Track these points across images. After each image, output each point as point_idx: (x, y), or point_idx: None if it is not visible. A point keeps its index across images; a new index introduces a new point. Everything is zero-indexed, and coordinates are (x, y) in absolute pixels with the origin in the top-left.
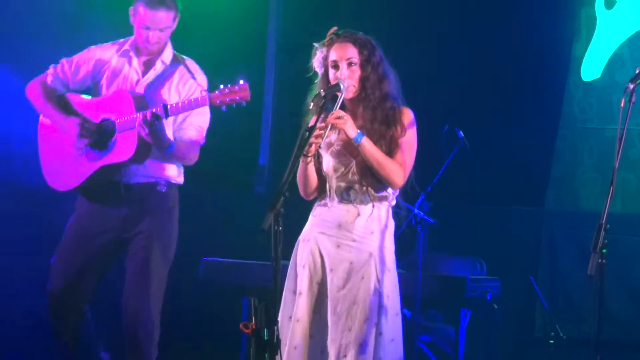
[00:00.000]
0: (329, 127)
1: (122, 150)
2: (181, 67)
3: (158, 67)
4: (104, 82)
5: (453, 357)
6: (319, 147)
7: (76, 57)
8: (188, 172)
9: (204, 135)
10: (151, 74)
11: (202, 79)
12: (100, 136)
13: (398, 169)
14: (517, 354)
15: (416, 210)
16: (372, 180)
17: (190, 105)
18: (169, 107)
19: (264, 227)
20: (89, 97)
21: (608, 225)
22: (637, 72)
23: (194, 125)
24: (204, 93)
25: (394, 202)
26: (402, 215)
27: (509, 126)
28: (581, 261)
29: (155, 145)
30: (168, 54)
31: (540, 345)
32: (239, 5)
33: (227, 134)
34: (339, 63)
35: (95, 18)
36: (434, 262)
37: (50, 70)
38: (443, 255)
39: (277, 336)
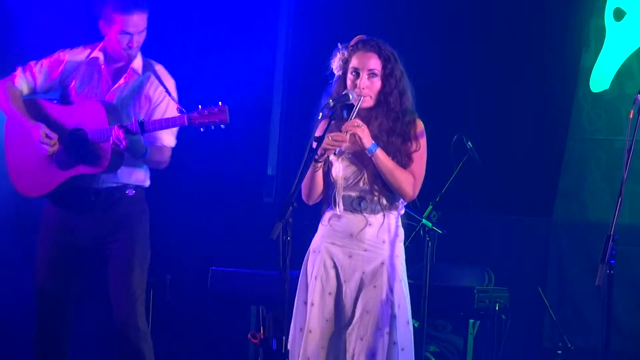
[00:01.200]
0: (346, 134)
1: (96, 161)
2: (150, 74)
3: (130, 75)
4: (73, 87)
5: None
6: (334, 153)
7: (45, 61)
8: (197, 182)
9: (175, 136)
10: (122, 82)
11: (171, 84)
12: (72, 145)
13: (412, 180)
14: None
15: (424, 221)
16: (382, 190)
17: (167, 124)
18: (145, 123)
19: (272, 236)
20: (59, 105)
21: (616, 237)
22: None
23: (166, 131)
24: (183, 111)
25: (402, 212)
26: (411, 226)
27: (517, 136)
28: (589, 272)
29: (131, 154)
30: (138, 61)
31: (548, 355)
32: (249, 16)
33: (235, 144)
34: (360, 71)
35: (66, 22)
36: (442, 272)
37: (18, 72)
38: (451, 266)
39: (286, 346)
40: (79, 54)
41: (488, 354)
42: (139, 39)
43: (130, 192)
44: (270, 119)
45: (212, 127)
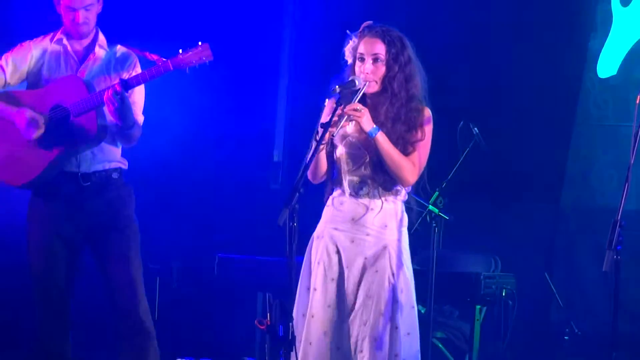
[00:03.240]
0: (345, 117)
1: (82, 134)
2: (116, 49)
3: (97, 52)
4: (45, 72)
5: (468, 353)
6: (333, 135)
7: (9, 54)
8: (202, 170)
9: (141, 113)
10: (90, 59)
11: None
12: (54, 124)
13: (411, 167)
14: (532, 350)
15: (431, 207)
16: (384, 175)
17: (151, 74)
18: (128, 80)
19: (279, 223)
20: (32, 90)
21: (623, 222)
22: None
23: (137, 104)
24: (163, 60)
25: (406, 197)
26: (417, 212)
27: (524, 123)
28: (596, 258)
29: (122, 121)
30: (102, 38)
31: (555, 341)
32: (255, 8)
33: (241, 131)
34: (365, 57)
35: (23, 15)
36: (449, 259)
37: None
38: (458, 252)
39: (292, 332)
40: (43, 41)
41: (495, 339)
42: (86, 14)
43: (115, 174)
44: (277, 106)
45: (197, 66)
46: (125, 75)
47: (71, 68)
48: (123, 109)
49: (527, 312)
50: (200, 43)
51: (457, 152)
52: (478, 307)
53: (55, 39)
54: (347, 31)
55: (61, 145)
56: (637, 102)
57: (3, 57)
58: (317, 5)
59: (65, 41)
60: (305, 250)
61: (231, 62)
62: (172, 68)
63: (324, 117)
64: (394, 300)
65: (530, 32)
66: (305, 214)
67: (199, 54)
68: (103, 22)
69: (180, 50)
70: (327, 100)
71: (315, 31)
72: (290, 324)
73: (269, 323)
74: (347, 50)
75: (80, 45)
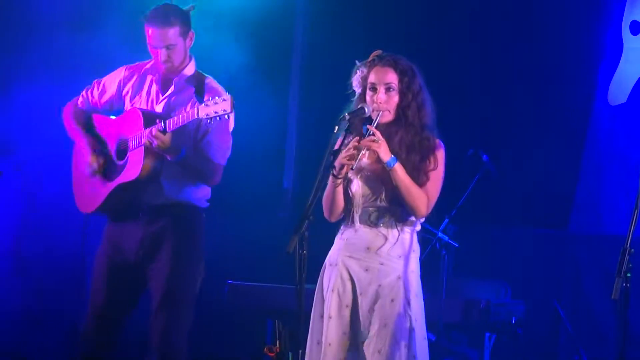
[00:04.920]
0: (363, 149)
1: (131, 168)
2: (206, 80)
3: (178, 84)
4: (126, 99)
5: None
6: (352, 168)
7: (105, 78)
8: (212, 195)
9: (225, 155)
10: (171, 92)
11: (224, 96)
12: (117, 156)
13: (424, 197)
14: None
15: (440, 234)
16: (400, 207)
17: (183, 119)
18: (166, 121)
19: (288, 250)
20: (107, 117)
21: (632, 249)
22: None
23: (212, 144)
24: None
25: (419, 227)
26: (427, 239)
27: (534, 149)
28: (606, 285)
29: (167, 153)
30: (189, 71)
31: None
32: (264, 25)
33: (251, 157)
34: (377, 86)
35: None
36: (458, 286)
37: (83, 92)
38: (467, 279)
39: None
40: (136, 67)
41: None
42: (168, 53)
43: (181, 210)
44: (287, 132)
45: (218, 119)
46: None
47: (152, 100)
48: (166, 148)
49: (536, 340)
50: (225, 94)
51: (467, 179)
52: (487, 334)
53: (143, 69)
54: (356, 61)
55: (119, 175)
56: None
57: (102, 80)
58: (329, 27)
59: (151, 72)
60: (314, 278)
61: (241, 87)
62: (197, 116)
63: (336, 146)
64: (410, 329)
65: (540, 59)
66: (315, 242)
67: (220, 105)
68: None
69: (206, 98)
70: (336, 127)
71: (326, 55)
72: (300, 351)
73: (278, 350)
74: (356, 80)
75: (167, 76)
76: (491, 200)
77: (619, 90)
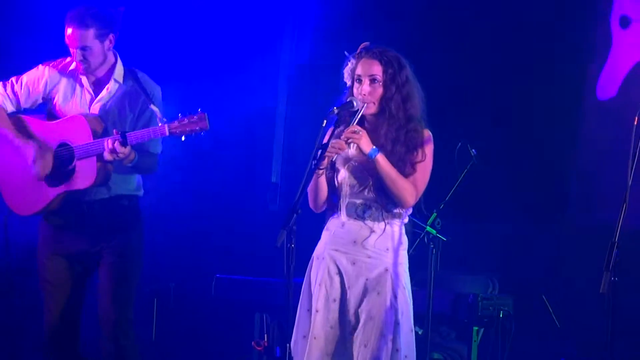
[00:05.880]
0: (344, 141)
1: (83, 177)
2: (133, 84)
3: (111, 86)
4: (57, 101)
5: None
6: (332, 159)
7: (25, 76)
8: (201, 190)
9: (160, 144)
10: (104, 94)
11: (156, 92)
12: (59, 162)
13: (411, 188)
14: None
15: (428, 228)
16: (387, 198)
17: (148, 135)
18: (127, 136)
19: (277, 244)
20: (43, 121)
21: (621, 243)
22: None
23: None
24: (164, 120)
25: (406, 220)
26: (415, 233)
27: (524, 144)
28: (594, 279)
29: (125, 162)
30: (119, 71)
31: None
32: (254, 23)
33: (240, 152)
34: (362, 78)
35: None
36: (447, 280)
37: (1, 90)
38: (456, 273)
39: (289, 353)
40: (59, 66)
41: None
42: (83, 54)
43: (124, 202)
44: (275, 127)
45: (193, 135)
46: (133, 118)
47: (85, 102)
48: (128, 159)
49: (524, 334)
50: (199, 110)
51: (455, 173)
52: (475, 328)
53: (69, 69)
54: (345, 52)
55: (65, 183)
56: (635, 123)
57: (20, 78)
58: (318, 23)
59: (80, 71)
60: (302, 271)
61: (230, 84)
62: (167, 134)
63: (325, 139)
64: (395, 322)
65: (530, 54)
66: (303, 235)
67: (196, 124)
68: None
69: (179, 115)
70: (325, 121)
71: (314, 51)
72: (288, 345)
73: (266, 344)
74: (346, 72)
75: (95, 77)
76: (480, 194)
77: (608, 85)
